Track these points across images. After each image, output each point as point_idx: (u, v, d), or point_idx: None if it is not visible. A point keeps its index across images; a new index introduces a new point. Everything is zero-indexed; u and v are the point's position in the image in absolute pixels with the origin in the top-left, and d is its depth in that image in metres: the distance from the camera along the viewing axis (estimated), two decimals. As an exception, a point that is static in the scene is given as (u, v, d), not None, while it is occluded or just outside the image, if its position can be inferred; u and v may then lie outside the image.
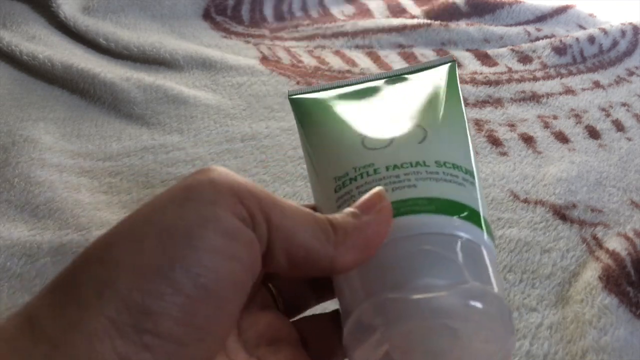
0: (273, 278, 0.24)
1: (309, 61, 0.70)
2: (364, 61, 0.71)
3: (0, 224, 0.43)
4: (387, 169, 0.22)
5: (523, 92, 0.65)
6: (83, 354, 0.15)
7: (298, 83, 0.64)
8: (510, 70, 0.70)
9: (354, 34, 0.76)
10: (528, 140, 0.57)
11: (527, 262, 0.42)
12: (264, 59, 0.69)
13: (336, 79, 0.66)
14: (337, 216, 0.20)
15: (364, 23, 0.79)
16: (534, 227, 0.45)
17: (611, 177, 0.52)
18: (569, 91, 0.66)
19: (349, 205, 0.22)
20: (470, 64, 0.70)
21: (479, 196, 0.23)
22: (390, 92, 0.27)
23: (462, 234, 0.21)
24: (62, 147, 0.52)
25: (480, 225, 0.21)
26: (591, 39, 0.75)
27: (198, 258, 0.17)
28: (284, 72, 0.66)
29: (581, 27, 0.83)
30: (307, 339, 0.22)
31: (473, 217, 0.21)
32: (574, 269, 0.42)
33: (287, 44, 0.75)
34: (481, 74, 0.68)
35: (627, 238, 0.44)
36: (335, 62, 0.70)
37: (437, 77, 0.27)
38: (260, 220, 0.18)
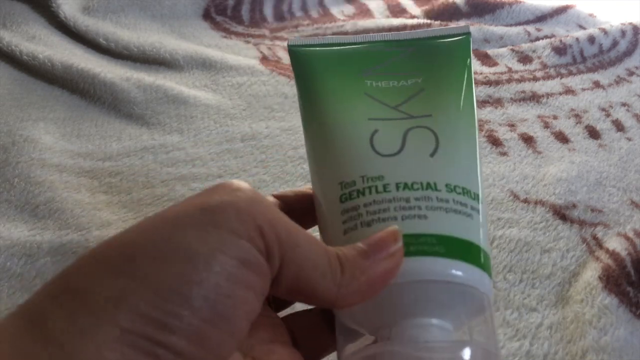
0: None
1: (309, 61, 0.70)
2: (364, 61, 0.71)
3: (0, 224, 0.43)
4: (398, 187, 0.22)
5: (523, 92, 0.65)
6: (90, 358, 0.15)
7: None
8: (510, 70, 0.70)
9: (354, 34, 0.76)
10: (528, 140, 0.57)
11: (527, 262, 0.42)
12: (264, 59, 0.69)
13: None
14: (348, 254, 0.20)
15: (364, 23, 0.79)
16: (534, 227, 0.45)
17: (611, 177, 0.52)
18: (569, 91, 0.66)
19: (355, 225, 0.22)
20: (470, 64, 0.70)
21: (481, 224, 0.22)
22: (400, 67, 0.25)
23: (467, 282, 0.21)
24: (62, 147, 0.52)
25: (481, 265, 0.21)
26: (591, 39, 0.75)
27: (218, 285, 0.17)
28: (284, 72, 0.66)
29: (581, 27, 0.83)
30: (297, 337, 0.23)
31: (476, 257, 0.21)
32: (574, 269, 0.42)
33: (287, 44, 0.75)
34: (481, 74, 0.68)
35: (627, 238, 0.44)
36: (335, 62, 0.70)
37: (448, 55, 0.25)
38: (275, 254, 0.18)
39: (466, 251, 0.21)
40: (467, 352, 0.19)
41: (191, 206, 0.18)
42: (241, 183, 0.19)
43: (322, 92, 0.24)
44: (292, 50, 0.25)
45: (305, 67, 0.25)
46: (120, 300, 0.16)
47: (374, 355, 0.20)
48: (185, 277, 0.17)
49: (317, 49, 0.25)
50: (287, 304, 0.25)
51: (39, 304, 0.17)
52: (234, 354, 0.20)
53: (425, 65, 0.25)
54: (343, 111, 0.24)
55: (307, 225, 0.25)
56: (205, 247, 0.17)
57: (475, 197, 0.22)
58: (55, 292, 0.17)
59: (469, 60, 0.25)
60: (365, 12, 0.87)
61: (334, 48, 0.25)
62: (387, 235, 0.20)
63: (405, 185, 0.22)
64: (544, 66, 0.71)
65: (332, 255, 0.20)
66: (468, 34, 0.26)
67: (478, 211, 0.22)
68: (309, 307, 0.25)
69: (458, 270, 0.21)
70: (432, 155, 0.23)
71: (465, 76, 0.25)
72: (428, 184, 0.22)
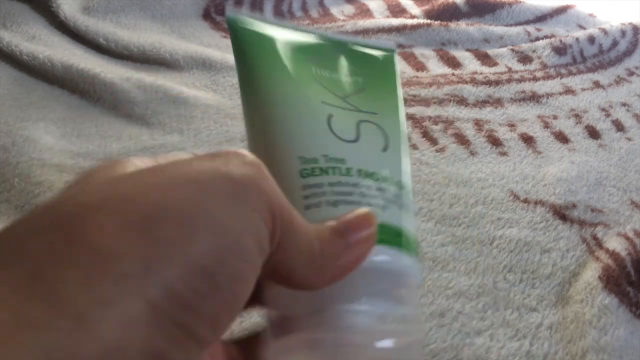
0: None
1: (309, 61, 0.70)
2: (364, 61, 0.71)
3: (0, 224, 0.43)
4: (359, 173, 0.22)
5: (523, 92, 0.65)
6: (113, 338, 0.13)
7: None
8: (510, 70, 0.70)
9: (354, 34, 0.76)
10: (528, 140, 0.57)
11: (527, 262, 0.42)
12: (264, 59, 0.69)
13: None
14: (324, 235, 0.19)
15: (364, 23, 0.79)
16: (534, 227, 0.45)
17: (611, 177, 0.52)
18: (569, 91, 0.66)
19: (319, 203, 0.21)
20: (470, 64, 0.70)
21: (411, 216, 0.23)
22: (340, 63, 0.25)
23: (414, 271, 0.21)
24: (62, 147, 0.52)
25: (416, 254, 0.22)
26: (591, 39, 0.75)
27: (242, 268, 0.16)
28: (284, 72, 0.66)
29: (581, 27, 0.83)
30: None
31: (413, 246, 0.22)
32: (574, 269, 0.42)
33: (287, 44, 0.75)
34: (481, 74, 0.68)
35: (627, 238, 0.44)
36: (335, 62, 0.70)
37: (384, 66, 0.26)
38: (276, 240, 0.17)
39: (410, 243, 0.22)
40: (387, 341, 0.19)
41: (212, 172, 0.16)
42: (248, 153, 0.17)
43: (269, 65, 0.24)
44: (233, 26, 0.24)
45: (249, 39, 0.24)
46: (150, 270, 0.13)
47: (299, 343, 0.19)
48: (215, 253, 0.15)
49: (260, 29, 0.24)
50: None
51: (36, 254, 0.13)
52: None
53: (363, 67, 0.25)
54: (295, 87, 0.23)
55: None
56: (236, 224, 0.15)
57: (412, 194, 0.23)
58: (57, 242, 0.13)
59: (397, 74, 0.26)
60: (365, 12, 0.87)
61: (278, 28, 0.25)
62: (363, 218, 0.20)
63: (366, 174, 0.22)
64: (544, 66, 0.71)
65: (317, 244, 0.19)
66: (393, 50, 0.27)
67: (411, 206, 0.23)
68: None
69: (410, 262, 0.21)
70: (384, 151, 0.23)
71: (397, 86, 0.26)
72: (384, 177, 0.22)
